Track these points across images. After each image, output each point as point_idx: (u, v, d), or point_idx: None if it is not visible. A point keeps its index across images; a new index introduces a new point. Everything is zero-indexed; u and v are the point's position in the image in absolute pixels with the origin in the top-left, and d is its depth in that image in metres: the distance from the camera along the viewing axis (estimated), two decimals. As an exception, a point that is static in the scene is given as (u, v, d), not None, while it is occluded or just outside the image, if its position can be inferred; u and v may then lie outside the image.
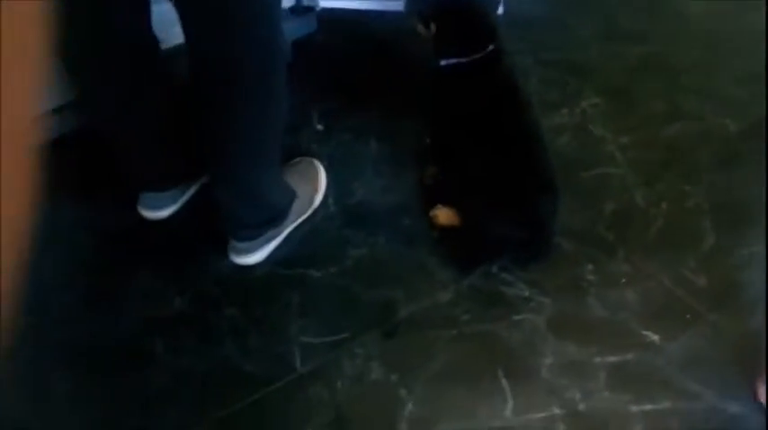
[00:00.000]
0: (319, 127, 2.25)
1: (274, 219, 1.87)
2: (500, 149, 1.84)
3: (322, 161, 2.10)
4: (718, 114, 2.27)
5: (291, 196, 1.90)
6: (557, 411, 1.63)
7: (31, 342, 1.73)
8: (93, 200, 2.05)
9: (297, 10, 2.46)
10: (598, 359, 1.72)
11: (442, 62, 1.91)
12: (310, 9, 2.47)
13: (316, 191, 2.02)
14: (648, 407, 1.64)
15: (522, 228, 1.83)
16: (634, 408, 1.63)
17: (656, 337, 1.75)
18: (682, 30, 2.59)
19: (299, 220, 1.97)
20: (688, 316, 1.80)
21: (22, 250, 0.32)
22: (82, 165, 2.10)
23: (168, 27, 1.69)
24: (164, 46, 1.80)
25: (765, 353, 1.62)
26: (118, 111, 1.80)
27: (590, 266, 1.89)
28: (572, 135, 2.22)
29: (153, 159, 1.93)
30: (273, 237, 1.90)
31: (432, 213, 1.96)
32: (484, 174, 1.84)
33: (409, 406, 1.64)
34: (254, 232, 1.86)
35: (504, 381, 1.68)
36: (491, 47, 1.88)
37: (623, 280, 1.86)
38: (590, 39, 2.54)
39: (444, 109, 1.97)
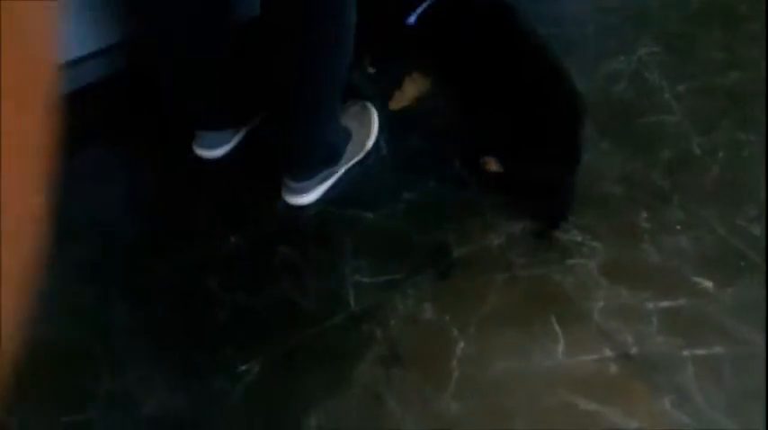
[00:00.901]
0: (371, 69, 2.24)
1: (331, 158, 1.89)
2: (519, 89, 1.81)
3: (374, 103, 2.11)
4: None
5: (347, 137, 1.92)
6: (608, 353, 1.64)
7: (93, 278, 1.79)
8: (146, 140, 2.08)
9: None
10: (650, 304, 1.72)
11: (410, 20, 1.87)
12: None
13: (368, 133, 2.03)
14: (700, 351, 1.64)
15: (560, 166, 1.83)
16: (686, 353, 1.64)
17: (709, 284, 1.75)
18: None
19: (352, 162, 1.98)
20: (742, 263, 1.79)
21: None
22: (132, 106, 2.12)
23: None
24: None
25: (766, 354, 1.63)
26: (185, 49, 1.82)
27: (644, 213, 1.88)
28: (628, 82, 2.19)
29: (213, 98, 1.95)
30: (328, 178, 1.92)
31: (482, 160, 1.96)
32: (510, 119, 1.82)
33: (461, 344, 1.66)
34: (311, 172, 1.87)
35: (555, 324, 1.69)
36: None
37: (677, 227, 1.85)
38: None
39: (449, 65, 1.93)
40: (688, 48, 2.29)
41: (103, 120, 2.12)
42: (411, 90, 2.07)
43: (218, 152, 2.02)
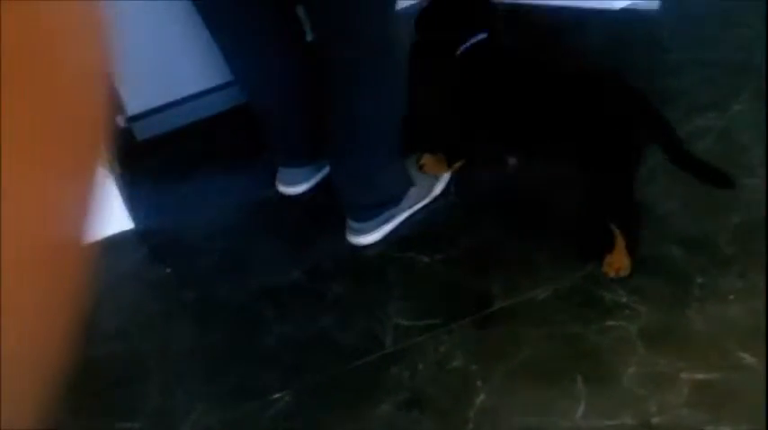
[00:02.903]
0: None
1: (386, 203, 1.98)
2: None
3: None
4: None
5: (407, 184, 2.00)
6: (629, 421, 1.63)
7: (163, 297, 1.98)
8: (242, 172, 2.26)
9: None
10: (685, 374, 1.68)
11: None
12: None
13: (437, 180, 2.10)
14: (725, 428, 1.59)
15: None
16: (709, 428, 1.59)
17: (752, 360, 1.69)
18: None
19: (418, 206, 2.06)
20: (794, 341, 1.71)
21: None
22: (237, 139, 2.31)
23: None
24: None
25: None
26: (262, 81, 1.98)
27: (699, 279, 1.83)
28: (715, 139, 2.13)
29: (290, 132, 2.10)
30: (388, 220, 2.01)
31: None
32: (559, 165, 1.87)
33: (482, 396, 1.70)
34: (368, 214, 1.98)
35: (581, 384, 1.69)
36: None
37: (731, 296, 1.79)
38: (757, 39, 2.39)
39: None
40: (787, 106, 2.19)
41: (212, 150, 2.33)
42: (436, 166, 2.12)
43: (297, 189, 2.16)
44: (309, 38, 1.94)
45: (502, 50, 1.90)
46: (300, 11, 1.89)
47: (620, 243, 1.83)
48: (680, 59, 2.35)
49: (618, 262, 1.85)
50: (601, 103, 1.76)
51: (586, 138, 1.75)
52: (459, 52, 1.87)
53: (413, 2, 2.41)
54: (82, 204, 0.29)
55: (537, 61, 1.89)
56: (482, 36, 1.86)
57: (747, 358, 1.69)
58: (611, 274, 1.85)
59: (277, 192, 2.18)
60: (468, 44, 1.86)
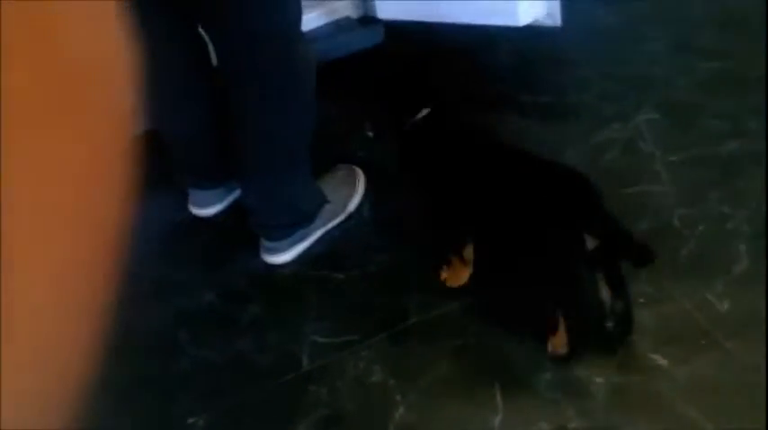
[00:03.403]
0: (370, 134, 2.31)
1: (300, 221, 1.96)
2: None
3: (367, 168, 2.17)
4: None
5: (320, 201, 1.99)
6: (545, 427, 1.63)
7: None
8: (151, 197, 2.20)
9: (364, 21, 2.54)
10: (599, 378, 1.70)
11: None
12: (377, 20, 2.55)
13: (351, 197, 2.09)
14: (642, 431, 1.61)
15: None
16: (626, 431, 1.61)
17: (664, 361, 1.71)
18: (759, 47, 2.47)
19: (332, 224, 2.05)
20: (703, 342, 1.75)
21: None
22: (148, 164, 2.26)
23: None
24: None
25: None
26: (170, 112, 1.95)
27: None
28: (620, 150, 2.18)
29: (200, 158, 2.06)
30: (302, 239, 1.99)
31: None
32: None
33: (401, 410, 1.69)
34: (281, 233, 1.96)
35: (498, 395, 1.69)
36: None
37: (641, 300, 1.82)
38: (659, 52, 2.48)
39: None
40: (689, 116, 2.26)
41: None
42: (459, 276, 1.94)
43: (210, 210, 2.13)
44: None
45: (442, 126, 1.82)
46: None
47: (562, 324, 1.73)
48: (584, 74, 2.41)
49: (557, 343, 1.74)
50: (544, 188, 1.67)
51: (526, 223, 1.66)
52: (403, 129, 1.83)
53: (320, 23, 2.43)
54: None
55: (478, 138, 1.84)
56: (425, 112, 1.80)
57: (659, 360, 1.72)
58: (551, 353, 1.75)
59: (189, 214, 2.14)
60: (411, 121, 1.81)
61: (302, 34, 1.78)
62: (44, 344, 0.27)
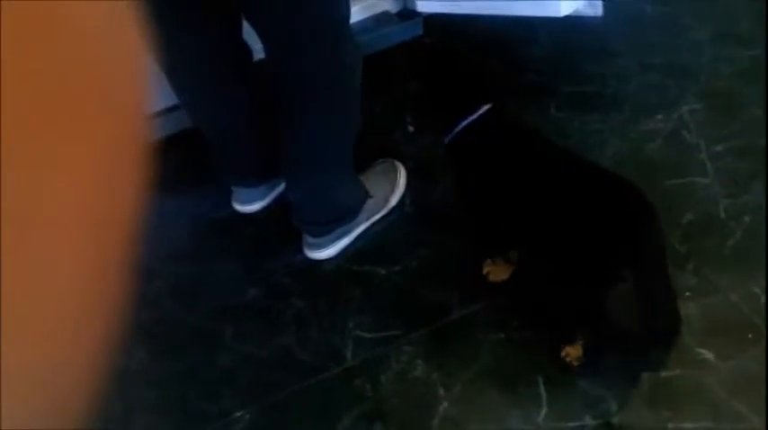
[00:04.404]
0: (411, 128, 2.31)
1: (343, 217, 1.97)
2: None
3: (407, 162, 2.18)
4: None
5: (363, 197, 1.99)
6: (589, 421, 1.63)
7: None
8: (195, 193, 2.24)
9: (403, 14, 2.54)
10: (644, 373, 1.69)
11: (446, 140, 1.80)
12: (416, 14, 2.55)
13: (393, 191, 2.10)
14: (687, 425, 1.60)
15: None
16: (670, 426, 1.60)
17: (710, 355, 1.70)
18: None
19: (374, 219, 2.06)
20: (750, 335, 1.73)
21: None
22: (189, 161, 2.28)
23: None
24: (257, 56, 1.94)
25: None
26: (212, 110, 1.97)
27: (655, 278, 1.85)
28: (664, 141, 2.16)
29: (242, 155, 2.08)
30: (345, 234, 2.00)
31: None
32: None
33: (445, 404, 1.69)
34: (324, 228, 1.97)
35: (542, 388, 1.69)
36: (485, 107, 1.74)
37: (687, 293, 1.80)
38: (701, 41, 2.44)
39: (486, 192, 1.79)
40: (732, 106, 2.23)
41: (162, 174, 2.29)
42: (502, 271, 1.91)
43: (253, 207, 2.15)
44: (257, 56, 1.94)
45: (502, 126, 1.76)
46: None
47: (579, 339, 1.70)
48: (626, 64, 2.38)
49: (572, 354, 1.71)
50: (600, 207, 1.62)
51: (570, 246, 1.62)
52: (448, 139, 1.79)
53: (360, 18, 2.44)
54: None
55: (537, 141, 1.76)
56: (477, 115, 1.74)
57: (705, 353, 1.70)
58: (563, 359, 1.72)
59: (232, 211, 2.16)
60: (458, 128, 1.76)
61: (351, 32, 1.78)
62: (64, 342, 0.27)
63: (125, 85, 0.29)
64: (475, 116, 1.75)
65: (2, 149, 0.22)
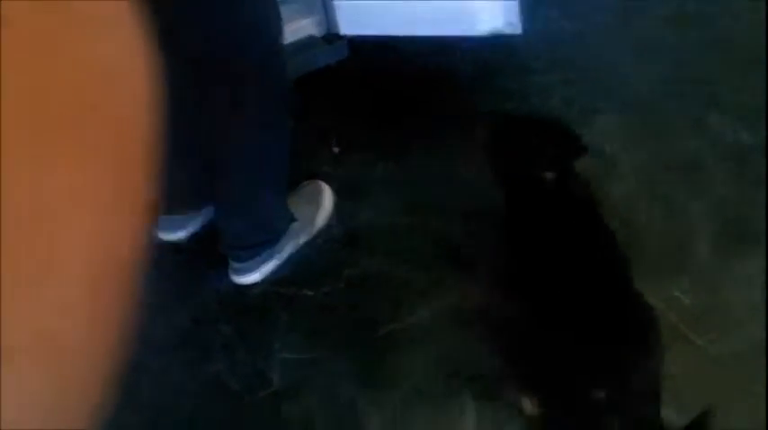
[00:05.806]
0: (335, 149, 2.32)
1: (269, 240, 1.96)
2: None
3: (333, 183, 2.18)
4: (739, 130, 2.19)
5: (289, 219, 1.99)
6: (517, 433, 1.64)
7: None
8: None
9: (327, 38, 2.56)
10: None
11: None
12: (341, 37, 2.56)
13: (319, 213, 2.09)
14: None
15: None
16: None
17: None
18: (712, 48, 2.49)
19: (301, 241, 2.05)
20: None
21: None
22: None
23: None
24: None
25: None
26: None
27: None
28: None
29: (175, 184, 2.06)
30: (270, 258, 1.99)
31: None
32: None
33: (375, 424, 1.69)
34: (250, 252, 1.95)
35: (469, 400, 1.70)
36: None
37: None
38: (620, 56, 2.49)
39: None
40: (650, 117, 2.28)
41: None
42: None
43: (178, 235, 2.13)
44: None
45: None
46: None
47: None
48: (546, 81, 2.42)
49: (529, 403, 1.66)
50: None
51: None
52: None
53: (292, 39, 2.44)
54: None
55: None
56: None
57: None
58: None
59: (158, 240, 2.14)
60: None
61: (282, 51, 1.77)
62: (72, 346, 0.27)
63: (131, 106, 0.29)
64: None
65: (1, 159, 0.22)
